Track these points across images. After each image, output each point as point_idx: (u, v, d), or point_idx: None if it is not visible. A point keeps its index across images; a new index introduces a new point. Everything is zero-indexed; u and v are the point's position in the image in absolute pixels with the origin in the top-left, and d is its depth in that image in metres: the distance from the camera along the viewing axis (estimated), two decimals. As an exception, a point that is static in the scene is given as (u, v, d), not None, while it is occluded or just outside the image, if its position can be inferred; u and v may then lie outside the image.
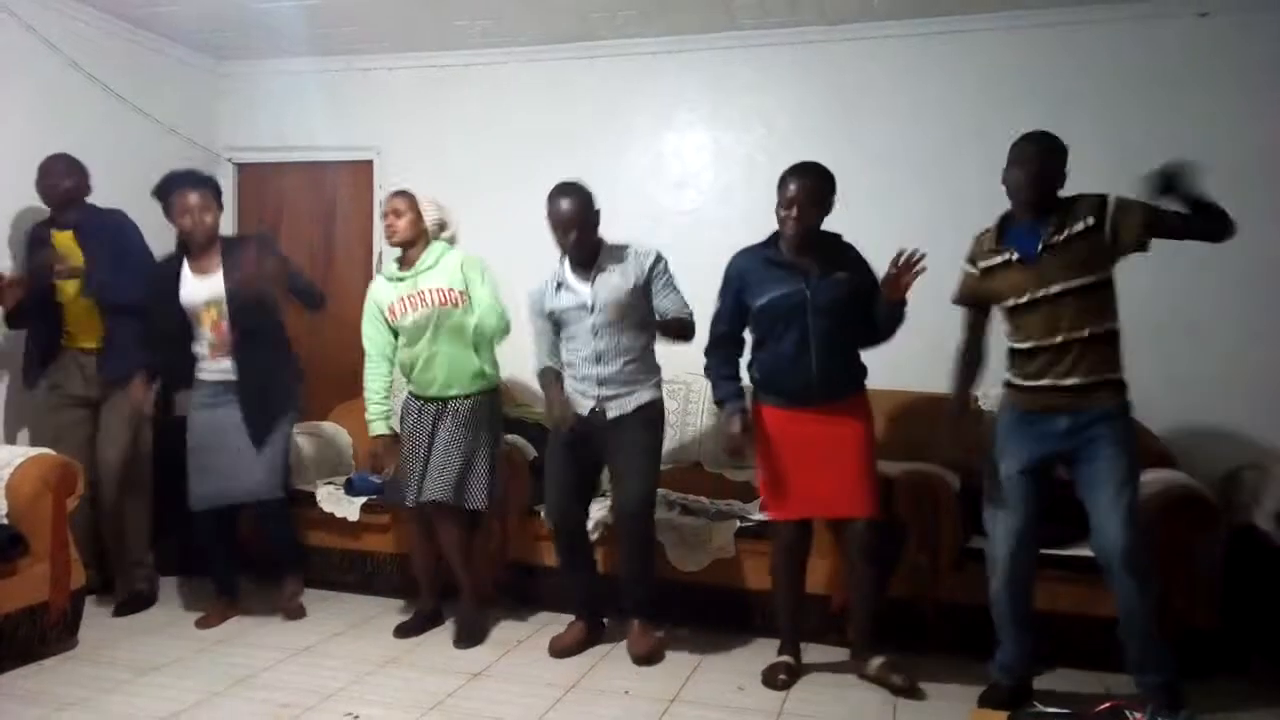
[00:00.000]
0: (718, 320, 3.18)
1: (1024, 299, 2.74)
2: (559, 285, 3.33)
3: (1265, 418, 3.75)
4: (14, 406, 3.95)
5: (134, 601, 3.76)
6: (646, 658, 3.27)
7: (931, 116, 4.18)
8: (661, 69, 4.52)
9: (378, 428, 3.54)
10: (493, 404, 3.54)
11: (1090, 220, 2.66)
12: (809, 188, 2.97)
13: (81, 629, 3.39)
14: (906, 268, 2.85)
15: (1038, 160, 2.73)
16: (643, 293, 3.26)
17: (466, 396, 3.45)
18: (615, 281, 3.25)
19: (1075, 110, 3.93)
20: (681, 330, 3.23)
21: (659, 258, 3.30)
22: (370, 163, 4.94)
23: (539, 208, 4.48)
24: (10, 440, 3.90)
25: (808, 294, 2.99)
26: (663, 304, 3.25)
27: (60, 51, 4.11)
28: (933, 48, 4.17)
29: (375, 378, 3.55)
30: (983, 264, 2.85)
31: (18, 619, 3.13)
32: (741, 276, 3.11)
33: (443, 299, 3.41)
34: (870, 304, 2.99)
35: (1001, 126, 4.08)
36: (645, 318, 3.28)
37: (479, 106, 4.75)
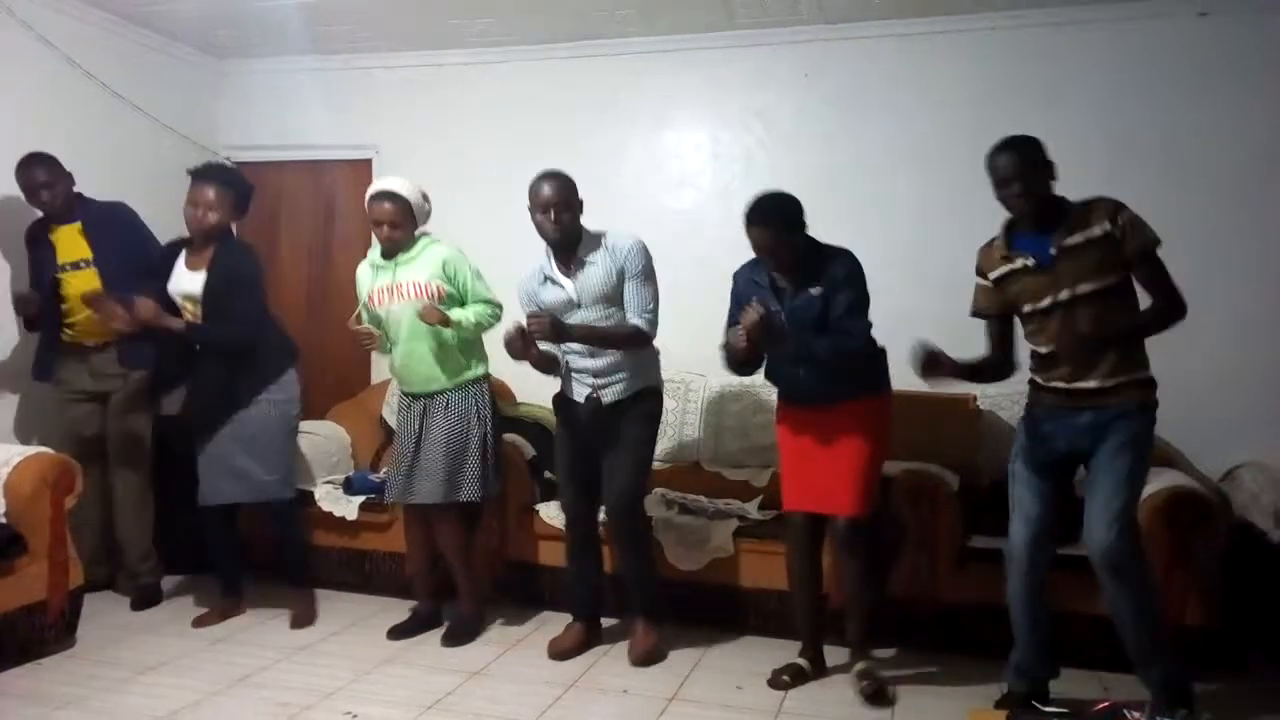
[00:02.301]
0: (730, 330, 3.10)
1: (1042, 304, 2.69)
2: (545, 279, 3.28)
3: (1264, 416, 3.75)
4: (26, 406, 3.97)
5: (146, 597, 3.76)
6: (645, 658, 3.26)
7: (931, 116, 4.17)
8: (661, 68, 4.51)
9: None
10: (481, 394, 3.47)
11: (1106, 226, 2.62)
12: (771, 236, 2.92)
13: (81, 627, 3.38)
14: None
15: (1019, 174, 2.64)
16: (622, 282, 3.21)
17: (452, 390, 3.41)
18: (597, 274, 3.20)
19: (1075, 109, 3.94)
20: (628, 342, 3.20)
21: (633, 249, 3.21)
22: (369, 161, 4.93)
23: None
24: (25, 440, 3.90)
25: (782, 316, 2.97)
26: (626, 298, 3.20)
27: (58, 49, 4.10)
28: (932, 47, 4.17)
29: None
30: (994, 274, 2.80)
31: (16, 618, 3.12)
32: (738, 292, 3.12)
33: (417, 292, 3.35)
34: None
35: (1001, 126, 4.07)
36: None
37: (478, 105, 4.74)
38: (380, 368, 4.85)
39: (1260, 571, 3.18)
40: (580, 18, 4.26)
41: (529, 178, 4.73)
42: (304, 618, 3.64)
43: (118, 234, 3.74)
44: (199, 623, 3.59)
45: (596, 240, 3.25)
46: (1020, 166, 2.65)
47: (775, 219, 2.94)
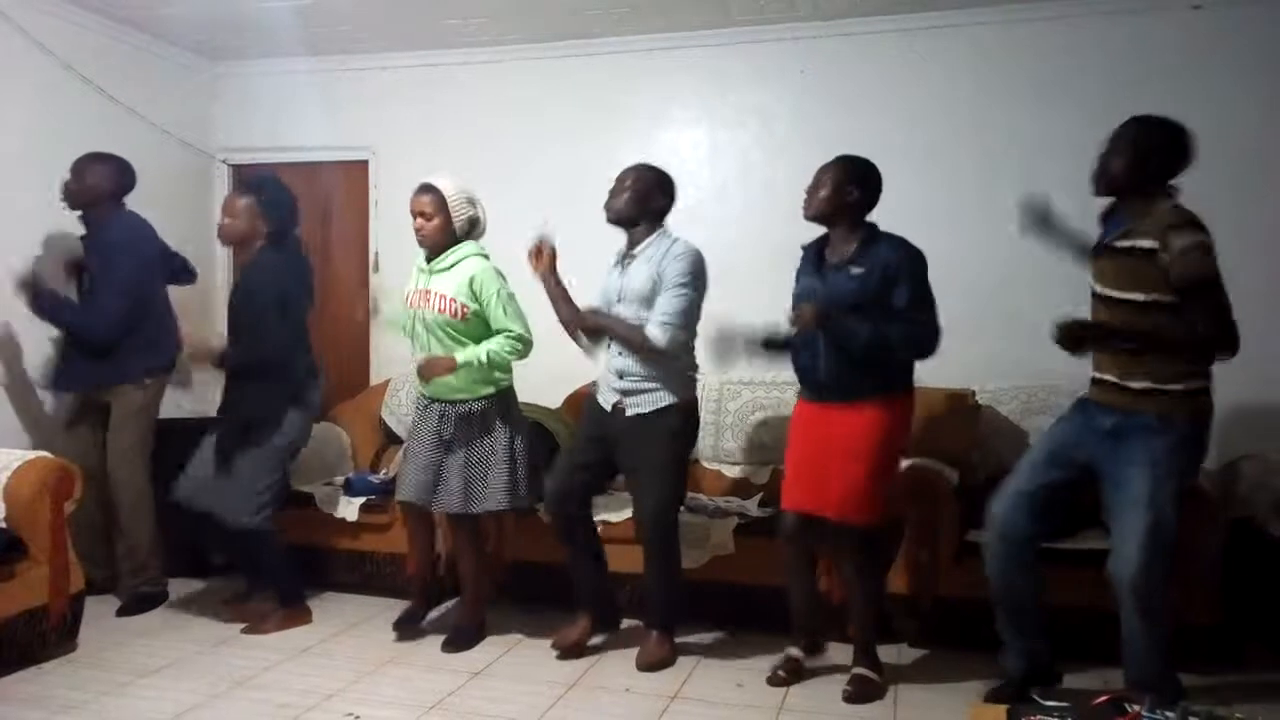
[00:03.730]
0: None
1: (1093, 288, 2.66)
2: (617, 261, 3.29)
3: (1264, 409, 3.75)
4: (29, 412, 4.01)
5: (136, 604, 3.75)
6: (652, 666, 3.21)
7: (927, 112, 4.17)
8: (657, 66, 4.51)
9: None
10: (506, 405, 3.38)
11: (1152, 243, 2.49)
12: (824, 175, 2.94)
13: (82, 631, 3.38)
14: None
15: (1121, 144, 2.58)
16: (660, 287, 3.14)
17: (475, 400, 3.32)
18: (642, 275, 3.16)
19: (1069, 104, 3.93)
20: (629, 342, 3.14)
21: (677, 256, 3.13)
22: (365, 163, 4.94)
23: (535, 207, 4.51)
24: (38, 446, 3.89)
25: (818, 290, 2.93)
26: (655, 304, 3.12)
27: (54, 54, 4.09)
28: (928, 43, 4.17)
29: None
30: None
31: (16, 623, 3.12)
32: (799, 262, 3.10)
33: (442, 306, 3.27)
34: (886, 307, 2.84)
35: (997, 121, 4.14)
36: None
37: (474, 105, 4.74)
38: (380, 368, 4.85)
39: (1260, 565, 3.18)
40: (576, 16, 4.26)
41: (525, 178, 4.75)
42: (257, 627, 3.56)
43: (105, 260, 3.69)
44: (228, 613, 3.67)
45: (659, 242, 3.20)
46: (1114, 141, 2.60)
47: (846, 161, 2.94)
